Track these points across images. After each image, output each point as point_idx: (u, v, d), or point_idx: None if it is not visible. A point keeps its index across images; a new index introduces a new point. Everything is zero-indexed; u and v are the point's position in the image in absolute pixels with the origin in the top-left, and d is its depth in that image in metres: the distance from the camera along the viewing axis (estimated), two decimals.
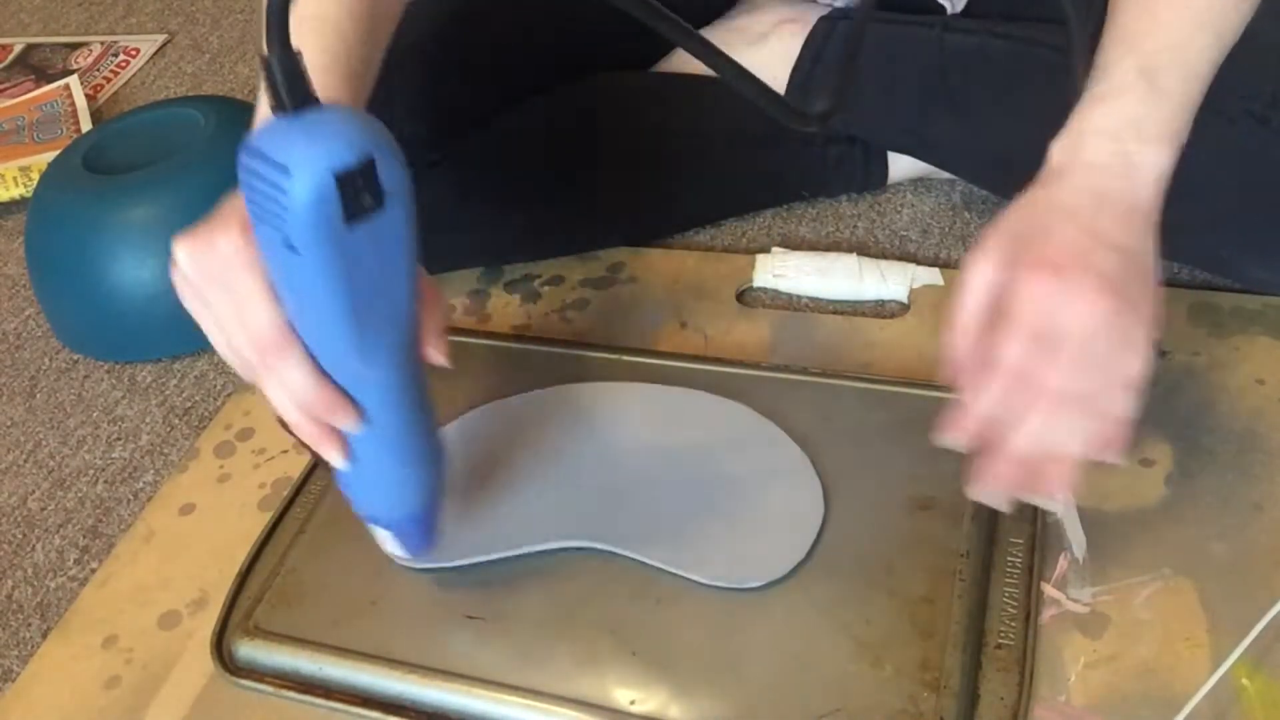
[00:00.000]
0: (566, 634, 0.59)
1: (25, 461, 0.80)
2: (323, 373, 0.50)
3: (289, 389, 0.51)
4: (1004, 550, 0.60)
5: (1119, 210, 0.51)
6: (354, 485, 0.56)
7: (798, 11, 0.88)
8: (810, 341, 0.77)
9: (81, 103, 1.23)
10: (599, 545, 0.62)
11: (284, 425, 0.53)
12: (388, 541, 0.59)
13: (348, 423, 0.52)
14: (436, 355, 0.54)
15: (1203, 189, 0.68)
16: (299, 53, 0.43)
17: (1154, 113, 0.52)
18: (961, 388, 0.50)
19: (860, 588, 0.58)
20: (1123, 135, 0.51)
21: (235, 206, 0.51)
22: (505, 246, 0.87)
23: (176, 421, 0.81)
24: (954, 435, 0.51)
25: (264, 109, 0.57)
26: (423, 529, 0.58)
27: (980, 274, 0.50)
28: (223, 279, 0.50)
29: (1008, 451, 0.49)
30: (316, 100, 0.44)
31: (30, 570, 0.72)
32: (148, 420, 0.82)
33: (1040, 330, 0.48)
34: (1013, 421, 0.49)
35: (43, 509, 0.76)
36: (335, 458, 0.53)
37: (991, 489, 0.51)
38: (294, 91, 0.43)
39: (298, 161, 0.42)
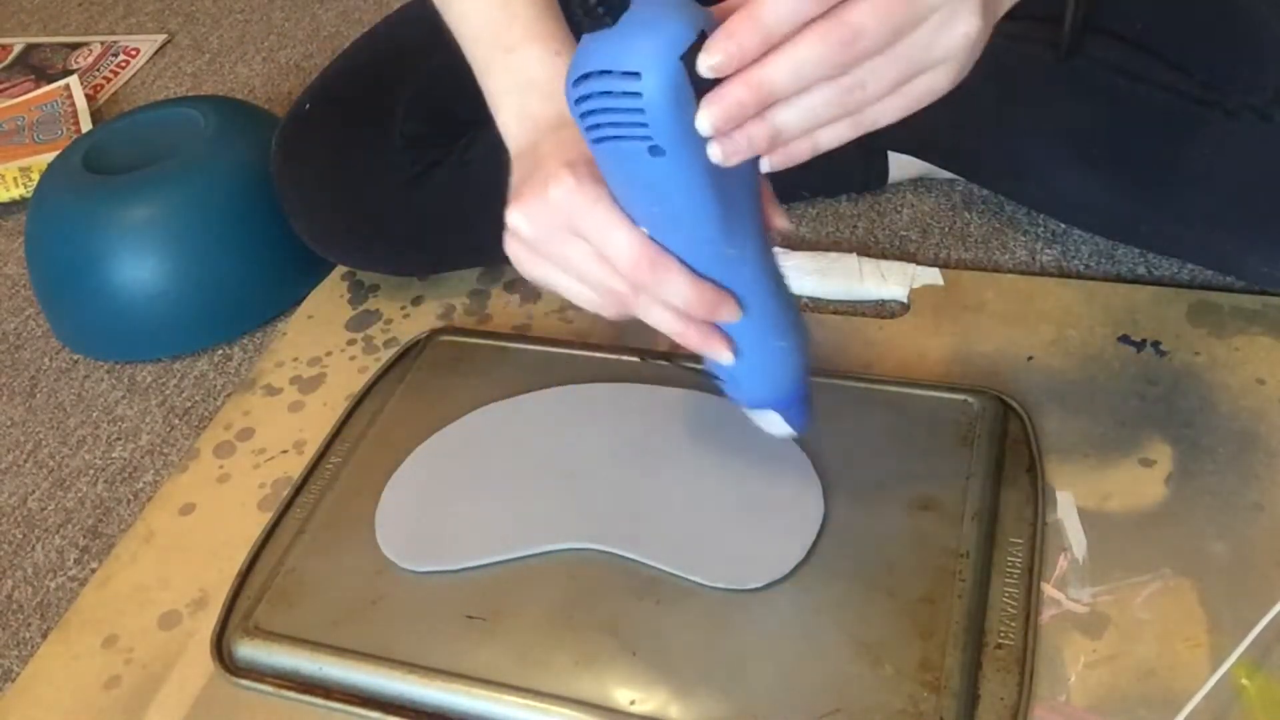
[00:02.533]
0: (566, 634, 0.59)
1: (25, 461, 0.81)
2: (697, 275, 0.50)
3: (671, 299, 0.50)
4: (1004, 550, 0.60)
5: None
6: (741, 376, 0.56)
7: None
8: (810, 341, 0.77)
9: (81, 103, 1.23)
10: (599, 547, 0.62)
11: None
12: (775, 424, 0.59)
13: (731, 313, 0.51)
14: (781, 220, 0.53)
15: (1204, 183, 0.68)
16: None
17: None
18: None
19: (860, 588, 0.58)
20: None
21: (546, 156, 0.51)
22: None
23: (176, 421, 0.81)
24: (720, 49, 0.42)
25: (499, 79, 0.58)
26: (805, 402, 0.58)
27: None
28: (570, 224, 0.50)
29: (767, 92, 0.43)
30: (626, 2, 0.43)
31: (30, 570, 0.72)
32: (148, 420, 0.82)
33: None
34: (796, 64, 0.42)
35: (43, 509, 0.76)
36: (724, 353, 0.53)
37: (719, 126, 0.43)
38: (605, 1, 0.43)
39: (644, 60, 0.42)
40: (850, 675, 0.55)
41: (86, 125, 1.19)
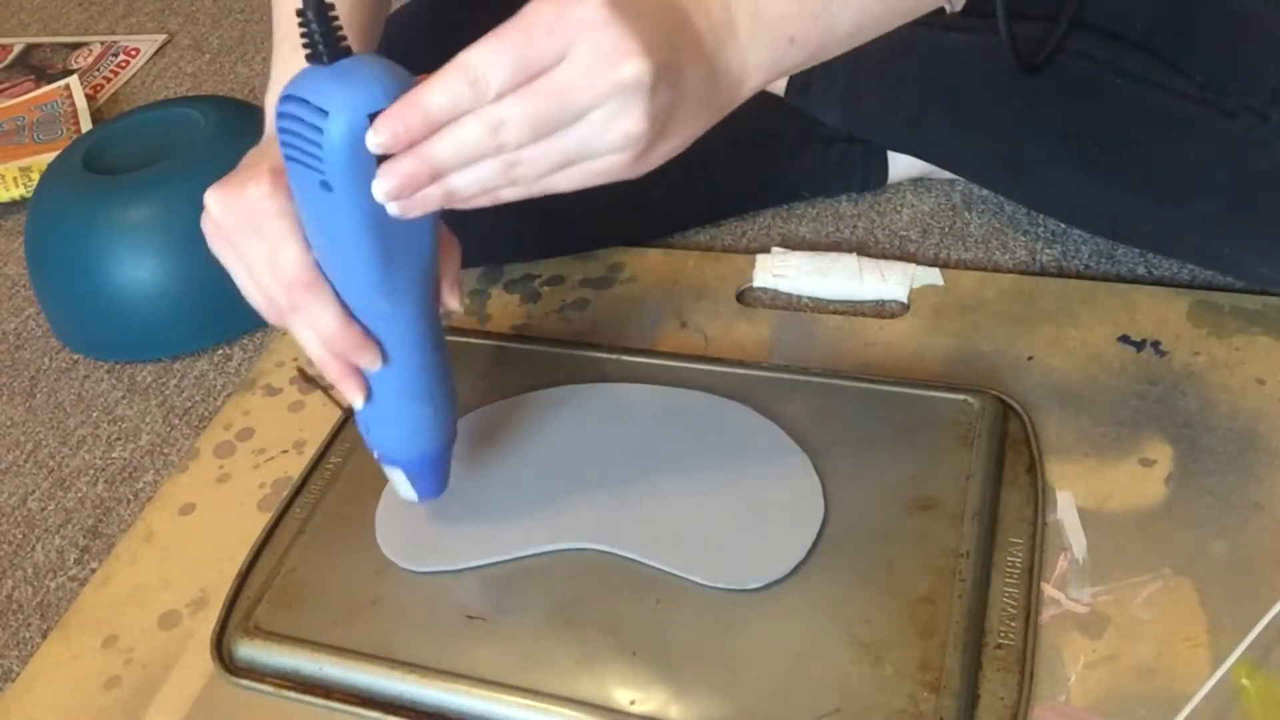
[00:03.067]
0: (566, 634, 0.59)
1: (25, 461, 0.81)
2: (349, 313, 0.53)
3: (316, 327, 0.53)
4: (1004, 550, 0.60)
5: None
6: (372, 425, 0.59)
7: None
8: (810, 341, 0.77)
9: (81, 103, 1.23)
10: (599, 547, 0.62)
11: (304, 376, 0.55)
12: (402, 484, 0.61)
13: (370, 361, 0.54)
14: (452, 299, 0.57)
15: (1203, 184, 0.68)
16: (332, 5, 0.46)
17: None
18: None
19: (860, 588, 0.58)
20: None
21: (263, 156, 0.54)
22: (505, 246, 0.87)
23: (176, 421, 0.81)
24: (385, 128, 0.45)
25: (286, 62, 0.61)
26: (436, 471, 0.61)
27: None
28: (253, 224, 0.53)
29: (434, 167, 0.46)
30: (350, 51, 0.48)
31: (30, 570, 0.72)
32: (148, 420, 0.82)
33: (523, 33, 0.44)
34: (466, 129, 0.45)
35: (43, 509, 0.76)
36: (355, 396, 0.56)
37: (392, 194, 0.47)
38: (330, 43, 0.47)
39: (336, 105, 0.46)
40: (850, 675, 0.55)
41: (86, 125, 1.19)
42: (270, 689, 0.60)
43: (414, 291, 0.53)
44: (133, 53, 1.35)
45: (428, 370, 0.56)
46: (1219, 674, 0.53)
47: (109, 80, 1.30)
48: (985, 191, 0.88)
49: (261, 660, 0.61)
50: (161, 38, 1.37)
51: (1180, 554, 0.60)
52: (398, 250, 0.51)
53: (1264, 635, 0.54)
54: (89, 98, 1.24)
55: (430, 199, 0.47)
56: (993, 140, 0.78)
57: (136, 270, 0.85)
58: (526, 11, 0.45)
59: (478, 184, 0.47)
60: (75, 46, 1.38)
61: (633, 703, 0.55)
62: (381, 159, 0.47)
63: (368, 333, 0.54)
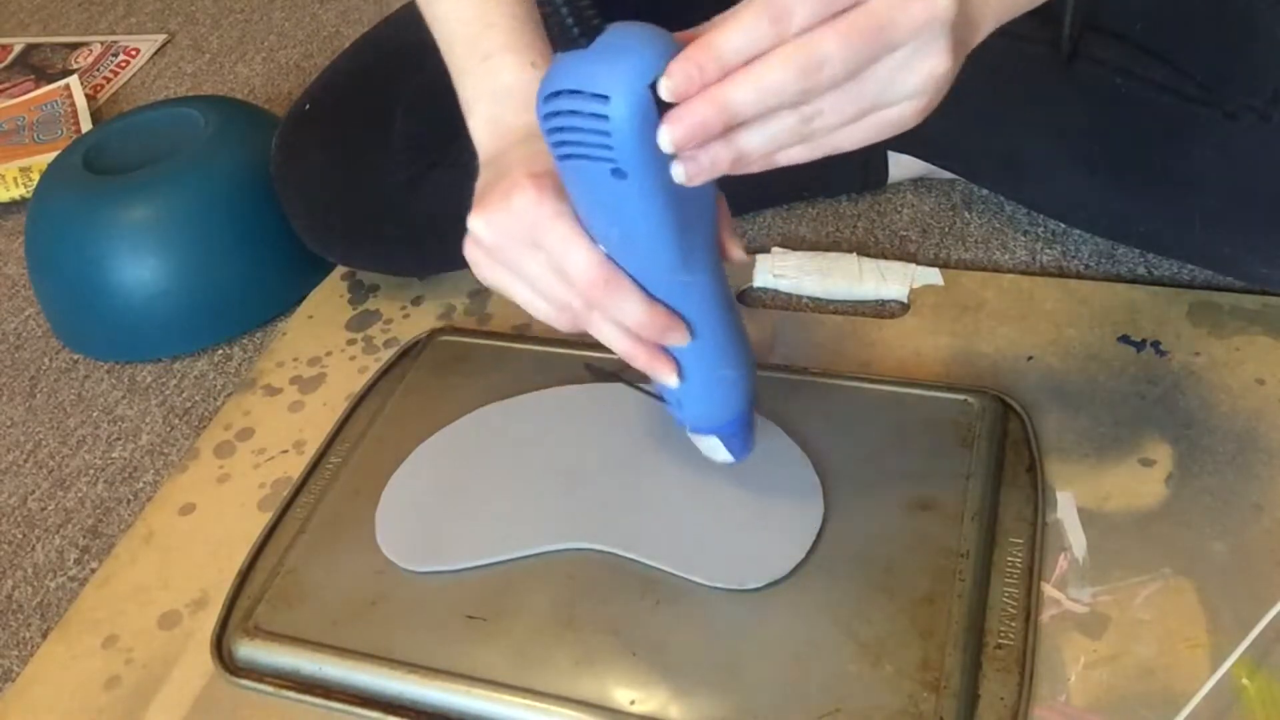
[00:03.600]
0: (566, 634, 0.59)
1: (25, 461, 0.81)
2: (650, 298, 0.51)
3: (624, 320, 0.51)
4: (1004, 550, 0.60)
5: None
6: (684, 399, 0.57)
7: None
8: (810, 341, 0.77)
9: (81, 103, 1.23)
10: (599, 547, 0.62)
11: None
12: (716, 449, 0.60)
13: (680, 337, 0.52)
14: (737, 251, 0.54)
15: (1204, 184, 0.68)
16: None
17: None
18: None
19: (860, 588, 0.58)
20: None
21: (513, 165, 0.51)
22: None
23: (176, 421, 0.81)
24: (679, 71, 0.42)
25: (476, 84, 0.58)
26: (746, 431, 0.60)
27: None
28: (530, 236, 0.51)
29: (729, 113, 0.42)
30: (602, 26, 0.44)
31: (30, 570, 0.72)
32: (148, 420, 0.82)
33: None
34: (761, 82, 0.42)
35: (43, 509, 0.76)
36: (670, 376, 0.54)
37: (680, 142, 0.43)
38: (582, 22, 0.44)
39: (614, 85, 0.43)
40: (850, 675, 0.55)
41: (86, 125, 1.19)
42: (270, 689, 0.60)
43: (708, 256, 0.51)
44: (133, 53, 1.35)
45: (731, 332, 0.55)
46: (1219, 674, 0.53)
47: (109, 80, 1.30)
48: (985, 191, 0.88)
49: (261, 660, 0.61)
50: (161, 38, 1.37)
51: (1180, 554, 0.60)
52: (692, 219, 0.49)
53: (1264, 635, 0.54)
54: (89, 98, 1.24)
55: (720, 161, 0.44)
56: (993, 140, 0.78)
57: (136, 270, 0.85)
58: None
59: (770, 140, 0.44)
60: (75, 46, 1.38)
61: (633, 703, 0.55)
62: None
63: (670, 310, 0.52)
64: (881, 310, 0.79)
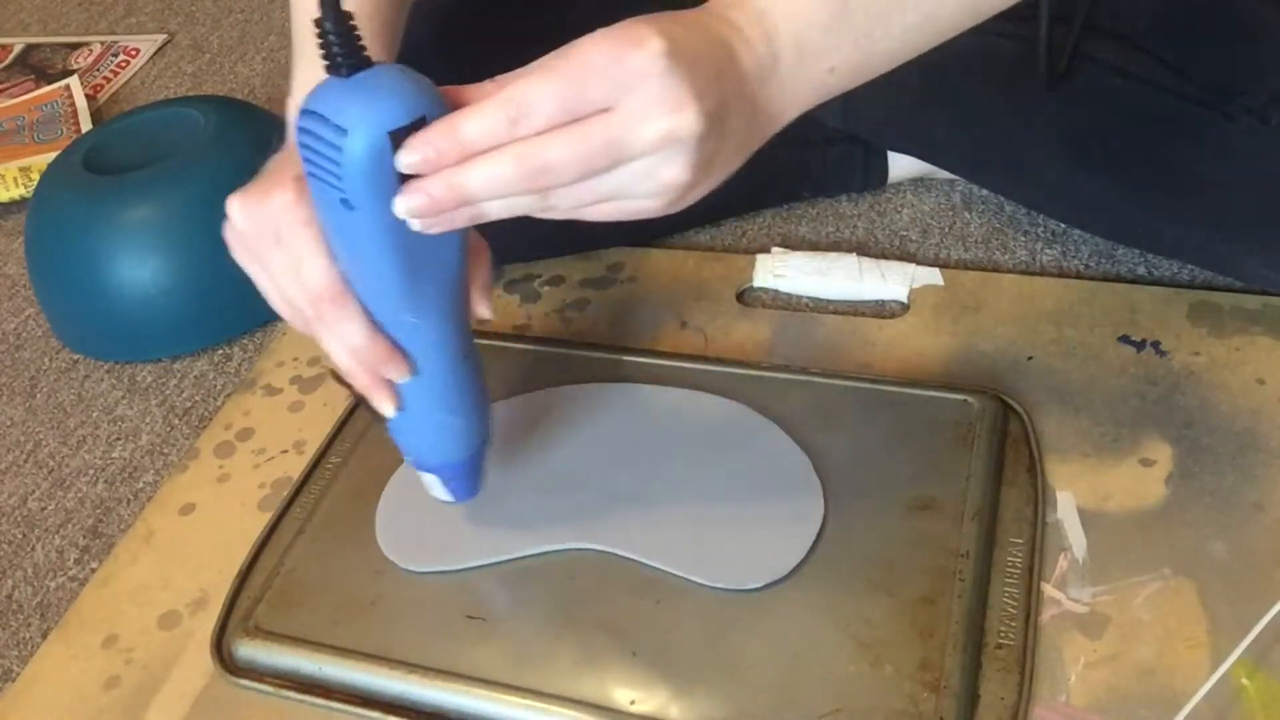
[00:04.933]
0: (566, 634, 0.59)
1: (25, 461, 0.81)
2: (375, 325, 0.52)
3: (343, 341, 0.52)
4: (1004, 550, 0.60)
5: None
6: (403, 433, 0.58)
7: None
8: (810, 341, 0.77)
9: (81, 103, 1.23)
10: (599, 547, 0.62)
11: (336, 377, 0.55)
12: (435, 487, 0.61)
13: (398, 373, 0.53)
14: (483, 308, 0.56)
15: (1203, 186, 0.68)
16: (350, 15, 0.44)
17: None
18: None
19: (860, 588, 0.58)
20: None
21: (287, 163, 0.52)
22: (505, 247, 0.87)
23: (176, 421, 0.81)
24: (418, 150, 0.44)
25: (306, 70, 0.59)
26: (468, 475, 0.60)
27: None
28: (277, 233, 0.52)
29: (462, 195, 0.45)
30: (369, 61, 0.46)
31: (30, 570, 0.72)
32: (148, 420, 0.82)
33: (570, 62, 0.43)
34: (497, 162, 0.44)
35: (43, 509, 0.76)
36: (386, 407, 0.55)
37: (415, 213, 0.45)
38: (349, 54, 0.45)
39: (355, 122, 0.44)
40: (850, 675, 0.55)
41: (86, 125, 1.19)
42: (270, 689, 0.60)
43: (441, 304, 0.52)
44: (133, 53, 1.35)
45: (458, 380, 0.55)
46: (1219, 674, 0.53)
47: (109, 80, 1.30)
48: (985, 191, 0.88)
49: (261, 660, 0.61)
50: (161, 38, 1.37)
51: (1180, 554, 0.60)
52: (423, 265, 0.50)
53: (1264, 635, 0.54)
54: (89, 98, 1.24)
55: (457, 218, 0.46)
56: (993, 140, 0.78)
57: (136, 270, 0.85)
58: (579, 51, 0.44)
59: (509, 208, 0.46)
60: (75, 46, 1.38)
61: (633, 703, 0.55)
62: (405, 176, 0.45)
63: (395, 344, 0.53)
64: (881, 310, 0.79)
